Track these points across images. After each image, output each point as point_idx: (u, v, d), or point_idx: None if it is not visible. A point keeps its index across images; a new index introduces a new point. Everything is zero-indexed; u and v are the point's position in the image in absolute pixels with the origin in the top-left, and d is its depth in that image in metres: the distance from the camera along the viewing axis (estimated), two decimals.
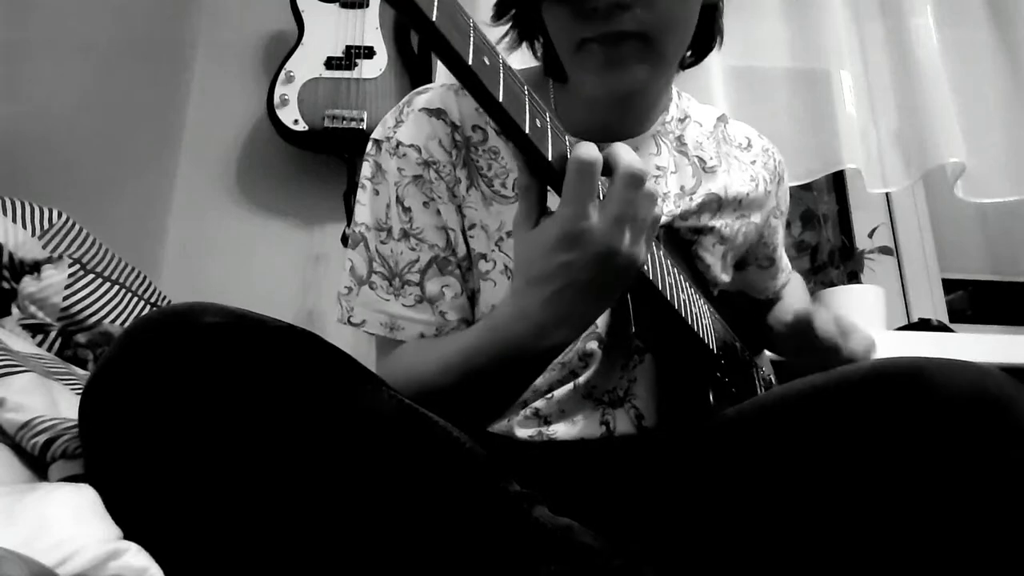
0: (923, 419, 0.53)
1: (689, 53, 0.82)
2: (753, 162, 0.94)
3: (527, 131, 0.53)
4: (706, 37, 0.81)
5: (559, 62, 0.78)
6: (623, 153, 0.56)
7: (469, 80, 0.50)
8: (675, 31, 0.72)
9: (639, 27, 0.68)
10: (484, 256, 0.79)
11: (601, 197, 0.57)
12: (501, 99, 0.51)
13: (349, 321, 0.79)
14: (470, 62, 0.48)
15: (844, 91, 1.70)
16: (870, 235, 1.84)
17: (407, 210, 0.78)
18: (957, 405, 0.52)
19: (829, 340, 0.89)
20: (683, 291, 0.74)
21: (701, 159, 0.89)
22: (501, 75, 0.51)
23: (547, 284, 0.58)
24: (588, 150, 0.54)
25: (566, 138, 0.58)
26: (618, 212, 0.55)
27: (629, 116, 0.83)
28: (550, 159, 0.55)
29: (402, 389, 0.70)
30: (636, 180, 0.56)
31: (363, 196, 0.81)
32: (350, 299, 0.80)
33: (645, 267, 0.62)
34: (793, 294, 1.11)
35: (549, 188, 0.59)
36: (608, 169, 0.56)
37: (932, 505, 0.51)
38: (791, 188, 1.73)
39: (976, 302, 1.99)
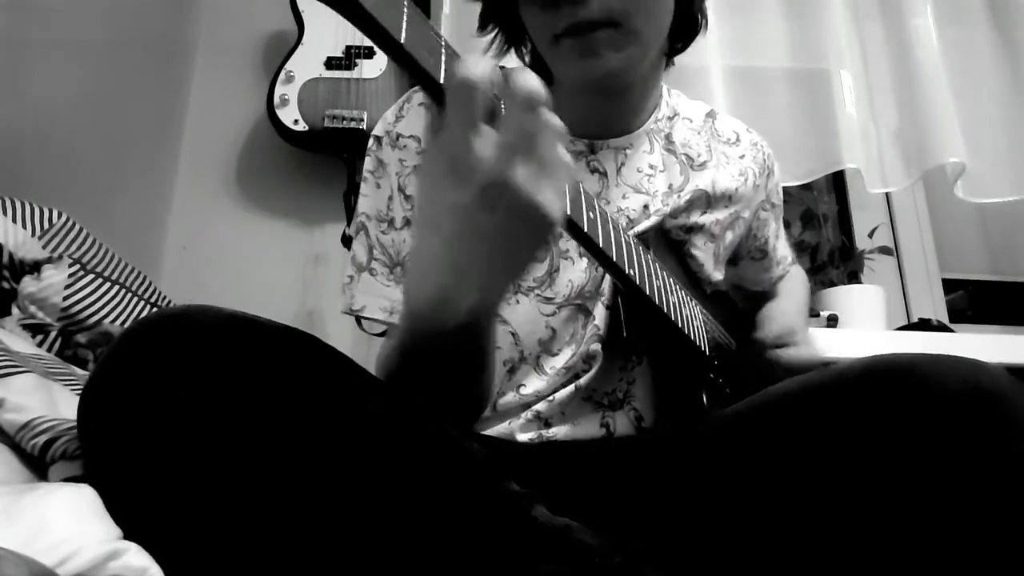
0: (918, 415, 0.53)
1: (674, 40, 0.82)
2: (742, 156, 0.94)
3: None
4: (688, 20, 0.80)
5: (545, 64, 0.79)
6: (519, 73, 0.48)
7: (444, 100, 0.47)
8: (647, 14, 0.71)
9: (606, 15, 0.69)
10: None
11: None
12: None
13: (351, 308, 0.79)
14: (443, 81, 0.46)
15: (844, 91, 1.70)
16: (870, 235, 1.84)
17: (409, 198, 0.79)
18: (951, 401, 0.52)
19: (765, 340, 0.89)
20: (673, 293, 0.74)
21: (688, 156, 0.89)
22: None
23: (437, 231, 0.49)
24: (472, 65, 0.46)
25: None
26: (510, 140, 0.47)
27: (620, 113, 0.83)
28: None
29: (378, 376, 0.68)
30: (532, 99, 0.47)
31: (365, 188, 0.82)
32: (352, 287, 0.80)
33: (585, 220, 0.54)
34: (791, 292, 1.11)
35: None
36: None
37: (929, 501, 0.51)
38: (791, 188, 1.75)
39: (976, 302, 1.99)
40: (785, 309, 1.02)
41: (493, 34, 0.83)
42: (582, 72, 0.72)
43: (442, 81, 0.47)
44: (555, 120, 0.49)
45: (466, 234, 0.49)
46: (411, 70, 0.46)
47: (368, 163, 0.82)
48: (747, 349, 0.92)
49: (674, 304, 0.74)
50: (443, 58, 0.47)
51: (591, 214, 0.58)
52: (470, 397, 0.67)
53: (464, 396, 0.66)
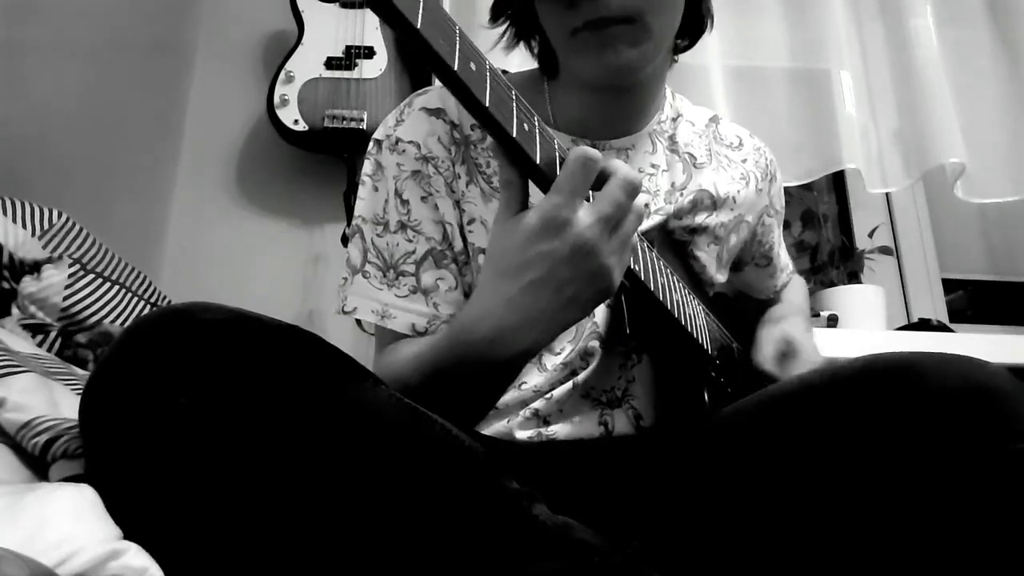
0: (916, 413, 0.53)
1: (680, 39, 0.82)
2: (744, 160, 0.94)
3: (514, 135, 0.54)
4: (696, 19, 0.81)
5: (554, 58, 0.80)
6: (622, 164, 0.57)
7: (457, 86, 0.50)
8: (662, 11, 0.73)
9: (625, 11, 0.70)
10: (483, 251, 0.80)
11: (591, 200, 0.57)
12: (488, 104, 0.51)
13: (344, 310, 0.80)
14: (456, 68, 0.49)
15: (844, 91, 1.70)
16: (870, 235, 1.85)
17: (405, 203, 0.79)
18: (949, 398, 0.52)
19: (761, 366, 0.91)
20: (676, 291, 0.75)
21: (692, 155, 0.90)
22: (488, 80, 0.52)
23: (517, 276, 0.56)
24: (593, 150, 0.55)
25: (555, 142, 0.58)
26: (607, 212, 0.56)
27: (625, 112, 0.84)
28: (538, 162, 0.55)
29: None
30: (632, 187, 0.56)
31: (363, 191, 0.82)
32: (345, 288, 0.81)
33: (636, 277, 0.61)
34: (791, 298, 1.11)
35: (532, 184, 0.59)
36: (601, 181, 0.57)
37: (927, 498, 0.52)
38: (791, 188, 1.75)
39: (976, 302, 1.99)
40: (784, 314, 1.02)
41: (504, 26, 0.84)
42: (600, 64, 0.73)
43: (538, 162, 0.55)
44: (642, 208, 0.59)
45: (544, 285, 0.56)
46: (512, 154, 0.55)
47: (367, 166, 0.82)
48: (748, 367, 0.93)
49: (677, 302, 0.74)
50: (537, 139, 0.56)
51: None
52: (486, 409, 0.71)
53: (483, 409, 0.71)
